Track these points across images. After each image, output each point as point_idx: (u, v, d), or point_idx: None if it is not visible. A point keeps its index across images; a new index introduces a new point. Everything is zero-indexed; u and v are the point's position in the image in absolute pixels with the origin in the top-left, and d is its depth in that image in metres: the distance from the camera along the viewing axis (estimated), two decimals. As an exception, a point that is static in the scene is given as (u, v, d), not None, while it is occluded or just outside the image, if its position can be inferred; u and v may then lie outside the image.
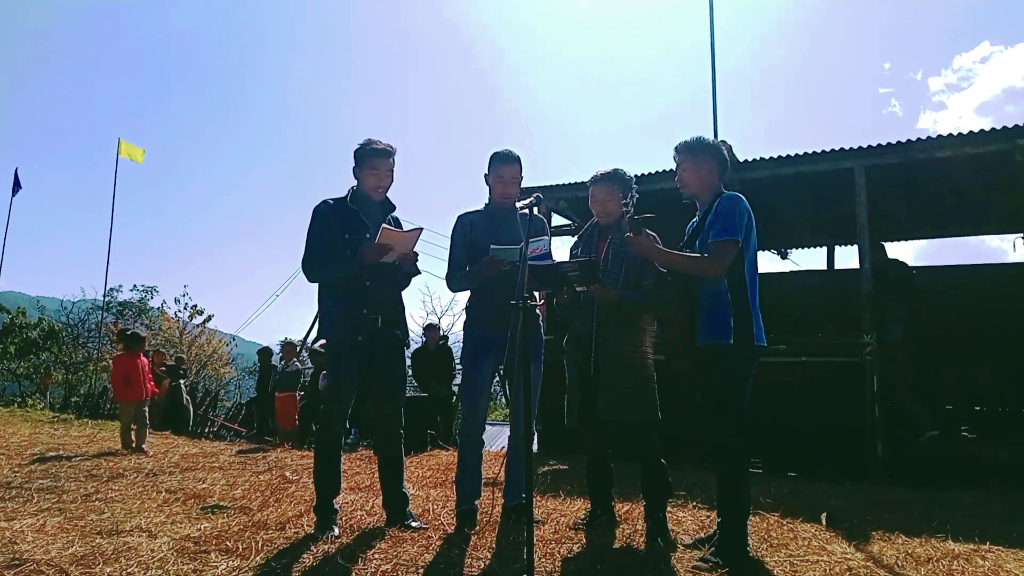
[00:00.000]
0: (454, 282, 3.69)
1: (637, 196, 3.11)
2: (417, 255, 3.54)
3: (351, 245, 3.42)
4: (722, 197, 3.12)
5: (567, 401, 3.50)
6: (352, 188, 3.60)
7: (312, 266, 3.49)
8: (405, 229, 3.51)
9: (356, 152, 3.55)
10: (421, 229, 3.47)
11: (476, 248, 3.57)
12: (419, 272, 3.63)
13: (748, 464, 3.13)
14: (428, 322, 12.46)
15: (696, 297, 3.12)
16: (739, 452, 3.04)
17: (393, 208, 3.68)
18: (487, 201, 3.72)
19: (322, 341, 3.71)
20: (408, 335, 3.72)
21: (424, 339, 9.92)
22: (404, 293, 3.72)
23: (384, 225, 3.36)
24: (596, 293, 3.24)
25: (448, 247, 3.70)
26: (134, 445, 7.44)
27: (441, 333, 9.71)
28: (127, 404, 7.97)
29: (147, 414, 7.96)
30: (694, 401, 3.18)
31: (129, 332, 9.01)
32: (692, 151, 3.23)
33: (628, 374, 3.29)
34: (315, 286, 3.59)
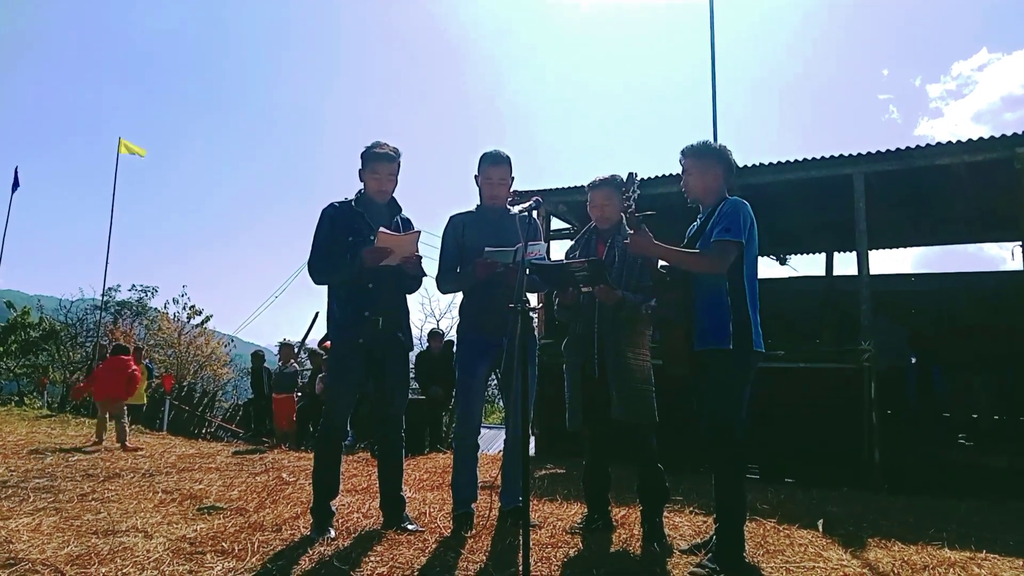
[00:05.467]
0: (444, 284, 3.69)
1: (639, 193, 3.10)
2: (420, 258, 3.54)
3: (354, 248, 3.43)
4: (727, 201, 3.12)
5: (569, 404, 3.49)
6: (359, 191, 3.61)
7: (316, 268, 3.52)
8: (403, 232, 3.51)
9: (362, 155, 3.56)
10: (419, 232, 3.48)
11: (467, 250, 3.57)
12: (425, 274, 3.64)
13: (745, 470, 3.14)
14: (430, 326, 12.43)
15: (694, 301, 3.12)
16: (737, 458, 3.04)
17: (399, 210, 3.68)
18: (478, 203, 3.72)
19: (327, 343, 3.73)
20: (411, 338, 3.72)
21: (428, 345, 9.94)
22: (406, 296, 3.73)
23: (381, 229, 3.36)
24: (600, 293, 3.24)
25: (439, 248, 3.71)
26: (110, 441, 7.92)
27: (445, 340, 9.70)
28: (103, 403, 8.45)
29: (123, 412, 8.30)
30: (691, 405, 3.18)
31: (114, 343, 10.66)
32: (698, 156, 3.22)
33: (634, 376, 3.30)
34: (320, 288, 3.61)
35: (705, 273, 3.05)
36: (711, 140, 3.31)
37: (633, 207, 3.06)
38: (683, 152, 3.27)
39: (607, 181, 3.48)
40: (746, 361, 3.03)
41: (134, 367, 8.98)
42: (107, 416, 8.33)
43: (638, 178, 3.12)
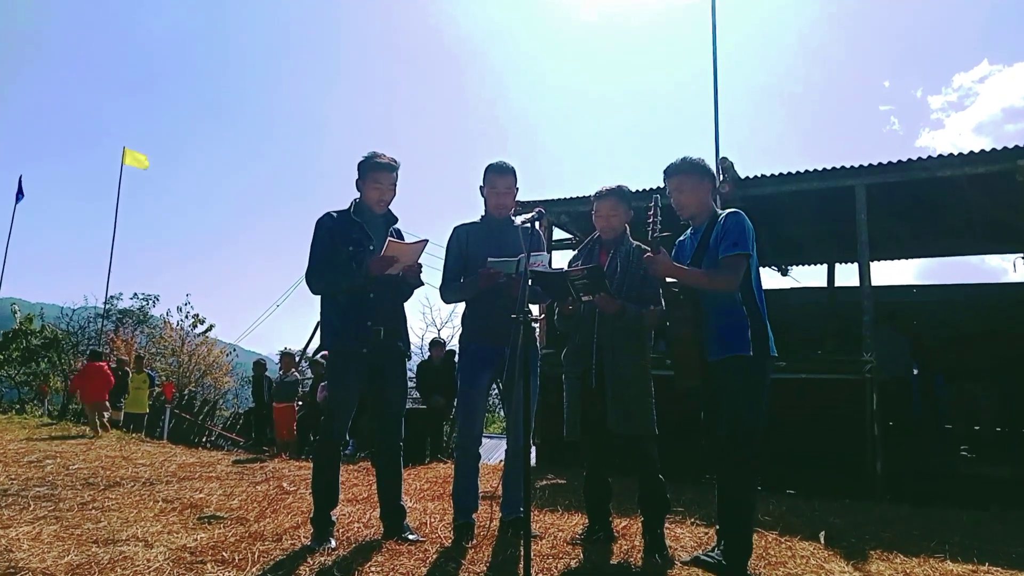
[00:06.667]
0: (448, 293, 3.71)
1: (661, 217, 3.13)
2: (421, 267, 3.56)
3: (355, 257, 3.44)
4: (727, 214, 3.15)
5: (567, 414, 3.49)
6: (355, 200, 3.62)
7: (316, 278, 3.50)
8: (410, 241, 3.52)
9: (360, 165, 3.57)
10: (426, 241, 3.49)
11: (471, 260, 3.58)
12: (422, 283, 3.65)
13: (757, 480, 3.13)
14: (432, 336, 12.44)
15: (705, 314, 3.12)
16: (755, 463, 3.03)
17: (395, 220, 3.70)
18: (483, 213, 3.74)
19: (324, 352, 3.72)
20: (410, 347, 3.73)
21: (430, 355, 9.95)
22: (404, 304, 3.74)
23: (390, 238, 3.38)
24: (600, 302, 3.23)
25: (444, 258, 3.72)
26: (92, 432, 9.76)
27: (447, 349, 9.70)
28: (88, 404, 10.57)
29: (98, 411, 10.50)
30: (697, 417, 3.18)
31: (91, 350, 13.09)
32: (690, 172, 3.26)
33: (633, 387, 3.29)
34: (316, 297, 3.60)
35: (721, 290, 3.07)
36: (690, 156, 3.31)
37: (656, 231, 3.09)
38: (670, 171, 3.29)
39: (614, 191, 3.49)
40: (765, 366, 3.07)
41: (108, 371, 11.05)
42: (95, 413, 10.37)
43: (659, 200, 3.15)
